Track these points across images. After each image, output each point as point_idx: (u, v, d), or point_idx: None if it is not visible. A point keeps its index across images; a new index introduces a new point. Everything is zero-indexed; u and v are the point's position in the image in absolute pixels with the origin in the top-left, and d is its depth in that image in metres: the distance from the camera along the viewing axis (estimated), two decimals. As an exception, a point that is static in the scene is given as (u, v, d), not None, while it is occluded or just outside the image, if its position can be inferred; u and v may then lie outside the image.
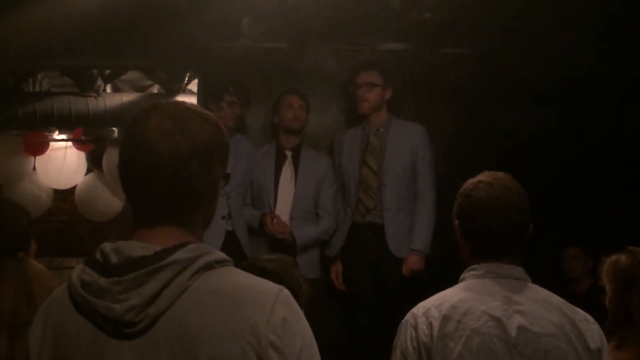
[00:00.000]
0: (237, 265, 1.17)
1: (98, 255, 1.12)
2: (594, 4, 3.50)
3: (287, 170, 3.75)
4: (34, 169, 5.54)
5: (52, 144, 5.50)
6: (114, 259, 1.10)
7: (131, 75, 5.32)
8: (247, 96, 3.83)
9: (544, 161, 4.44)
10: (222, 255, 1.14)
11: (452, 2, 3.54)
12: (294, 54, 4.09)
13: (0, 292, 2.17)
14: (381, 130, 3.79)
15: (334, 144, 3.93)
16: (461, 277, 1.78)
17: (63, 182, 5.66)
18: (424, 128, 3.80)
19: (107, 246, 1.12)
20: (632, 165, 4.47)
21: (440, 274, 3.52)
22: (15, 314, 2.13)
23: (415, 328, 1.68)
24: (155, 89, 5.46)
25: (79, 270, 1.13)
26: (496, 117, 4.26)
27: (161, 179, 1.12)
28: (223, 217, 3.46)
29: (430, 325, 1.66)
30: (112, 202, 5.58)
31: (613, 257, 2.26)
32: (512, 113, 4.50)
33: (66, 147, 5.54)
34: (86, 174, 5.73)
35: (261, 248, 3.64)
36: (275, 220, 3.60)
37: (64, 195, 6.07)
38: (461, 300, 1.68)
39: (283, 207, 3.70)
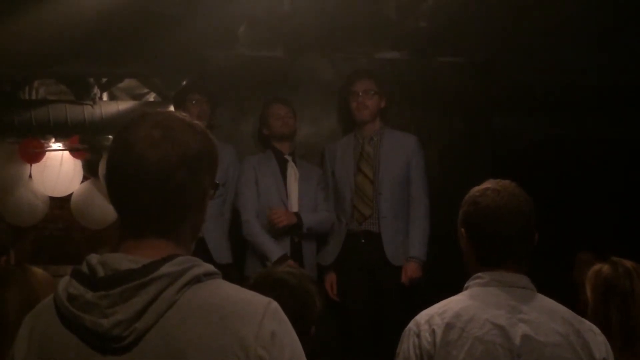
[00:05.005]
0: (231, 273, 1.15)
1: (84, 268, 1.11)
2: (590, 12, 3.50)
3: (291, 173, 3.77)
4: (30, 176, 5.52)
5: (48, 151, 5.48)
6: (100, 272, 1.09)
7: (127, 83, 5.31)
8: (213, 95, 3.79)
9: (540, 169, 4.44)
10: (210, 267, 1.13)
11: (448, 11, 3.54)
12: (290, 62, 4.09)
13: (5, 302, 2.15)
14: (375, 139, 3.79)
15: (325, 154, 3.92)
16: (465, 285, 1.78)
17: (59, 190, 5.63)
18: (416, 137, 3.82)
19: (93, 258, 1.11)
20: (630, 173, 4.47)
21: (433, 280, 3.54)
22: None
23: (418, 336, 1.68)
24: (151, 97, 5.45)
25: (65, 282, 1.11)
26: (492, 125, 4.26)
27: (149, 188, 1.11)
28: None
29: (433, 333, 1.66)
30: (108, 209, 5.55)
31: (596, 266, 2.28)
32: (508, 121, 4.50)
33: (62, 155, 5.53)
34: (82, 181, 5.71)
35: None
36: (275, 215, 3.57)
37: (60, 203, 6.04)
38: (465, 308, 1.67)
39: (294, 206, 3.72)
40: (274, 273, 2.04)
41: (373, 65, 4.09)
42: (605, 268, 2.23)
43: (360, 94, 3.75)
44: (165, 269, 1.07)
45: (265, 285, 1.88)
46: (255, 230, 3.64)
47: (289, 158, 3.80)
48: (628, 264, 2.23)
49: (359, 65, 4.05)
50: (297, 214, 3.64)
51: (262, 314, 1.08)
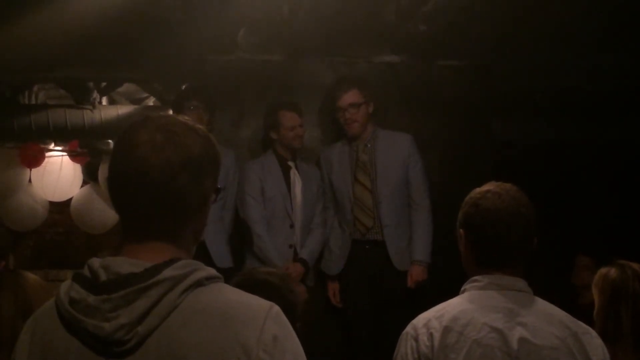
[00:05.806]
0: (232, 277, 1.15)
1: (86, 272, 1.11)
2: (590, 15, 3.51)
3: (294, 179, 3.76)
4: (30, 181, 5.53)
5: (47, 156, 5.48)
6: (103, 276, 1.08)
7: (127, 87, 5.31)
8: (211, 101, 3.76)
9: (540, 172, 4.44)
10: (212, 271, 1.13)
11: (448, 14, 3.55)
12: (289, 66, 4.09)
13: None
14: (369, 145, 3.76)
15: (321, 162, 3.91)
16: (462, 288, 1.77)
17: (59, 194, 5.64)
18: (411, 137, 3.79)
19: (95, 262, 1.11)
20: (629, 176, 4.47)
21: (439, 283, 3.54)
22: (14, 330, 2.10)
23: (416, 339, 1.67)
24: (151, 101, 5.46)
25: (66, 286, 1.11)
26: (492, 129, 4.26)
27: (151, 191, 1.11)
28: None
29: (431, 336, 1.65)
30: (108, 214, 5.56)
31: (603, 270, 2.29)
32: (508, 124, 4.50)
33: (62, 159, 5.53)
34: (82, 186, 5.71)
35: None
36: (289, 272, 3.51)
37: (60, 208, 6.05)
38: (462, 311, 1.67)
39: (298, 215, 3.72)
40: (256, 274, 2.04)
41: (372, 69, 4.09)
42: (613, 271, 2.23)
43: (347, 109, 3.71)
44: (167, 272, 1.07)
45: (248, 288, 1.88)
46: (268, 247, 3.63)
47: (291, 164, 3.79)
48: (635, 266, 2.23)
49: (358, 69, 4.05)
50: (302, 261, 3.66)
51: (264, 317, 1.08)
